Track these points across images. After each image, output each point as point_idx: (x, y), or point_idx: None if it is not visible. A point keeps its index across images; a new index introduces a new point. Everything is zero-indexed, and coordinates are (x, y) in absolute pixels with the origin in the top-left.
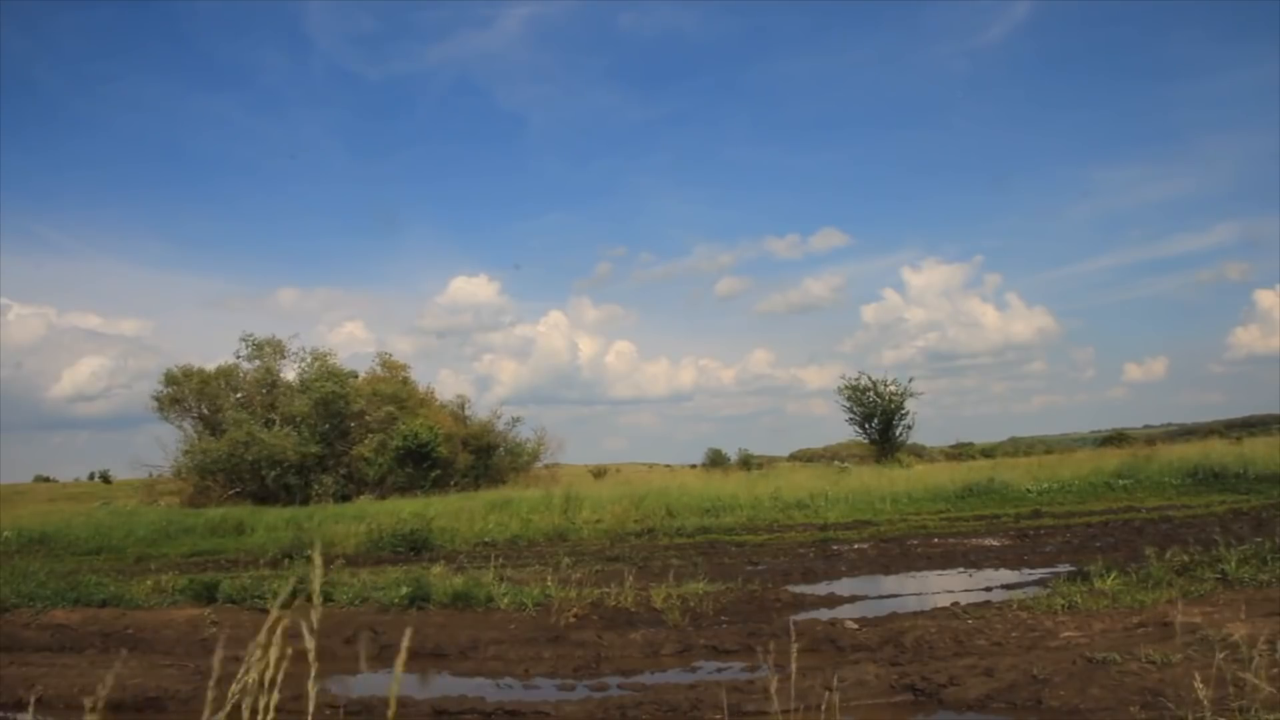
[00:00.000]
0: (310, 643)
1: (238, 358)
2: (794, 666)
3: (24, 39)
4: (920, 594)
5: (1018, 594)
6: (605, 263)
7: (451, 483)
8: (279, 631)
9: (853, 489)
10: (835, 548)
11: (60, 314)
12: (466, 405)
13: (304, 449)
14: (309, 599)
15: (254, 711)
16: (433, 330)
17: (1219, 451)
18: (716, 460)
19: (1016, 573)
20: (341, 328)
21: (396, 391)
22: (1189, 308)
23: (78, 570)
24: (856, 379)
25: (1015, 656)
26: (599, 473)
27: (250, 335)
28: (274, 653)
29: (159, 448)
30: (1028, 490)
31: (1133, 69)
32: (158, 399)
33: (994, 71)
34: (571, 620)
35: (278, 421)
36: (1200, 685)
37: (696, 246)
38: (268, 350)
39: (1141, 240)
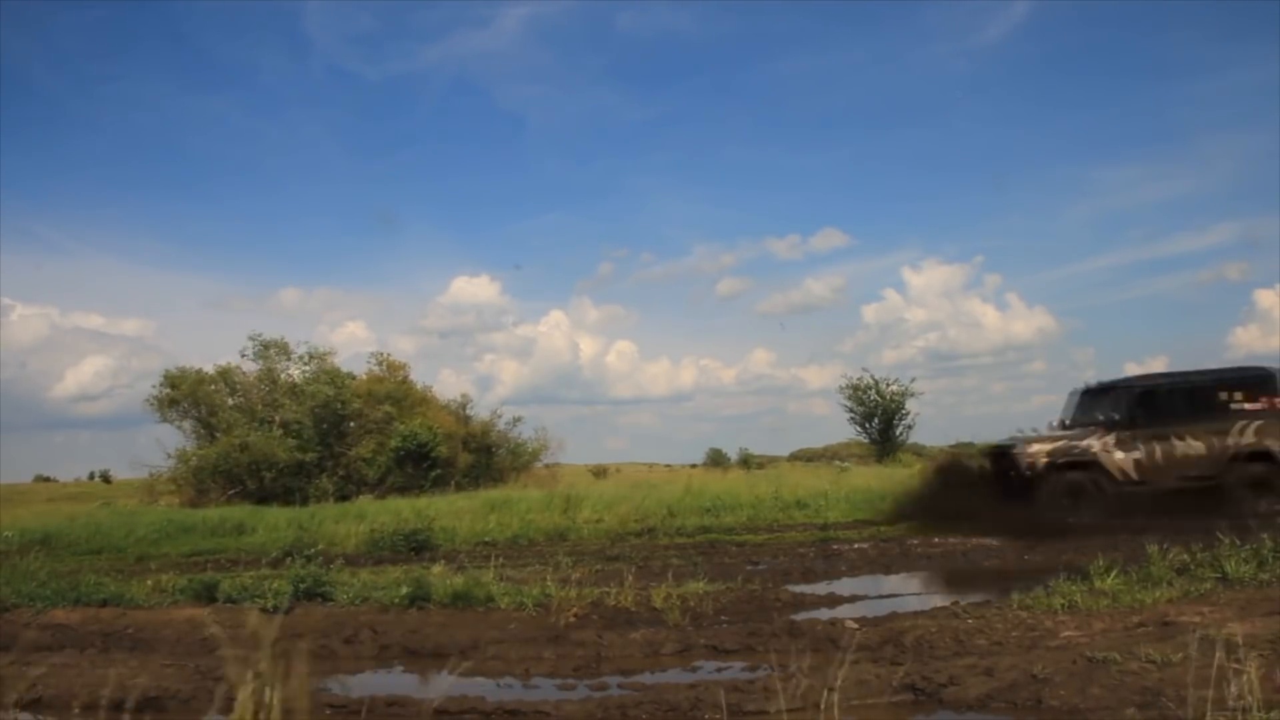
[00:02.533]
0: None
1: (243, 357)
2: (796, 666)
3: (24, 39)
4: (920, 594)
5: (1018, 594)
6: (607, 263)
7: (452, 482)
8: None
9: (853, 488)
10: (835, 547)
11: (63, 314)
12: (469, 405)
13: (298, 453)
14: (309, 598)
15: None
16: (435, 330)
17: None
18: (717, 460)
19: None
20: (343, 328)
21: (393, 391)
22: (1189, 308)
23: (78, 570)
24: (859, 378)
25: (1015, 656)
26: (599, 472)
27: (259, 335)
28: None
29: (159, 448)
30: None
31: (1133, 69)
32: (155, 400)
33: (993, 71)
34: (571, 620)
35: (276, 423)
36: (1200, 685)
37: (697, 246)
38: (273, 352)
39: (1141, 240)
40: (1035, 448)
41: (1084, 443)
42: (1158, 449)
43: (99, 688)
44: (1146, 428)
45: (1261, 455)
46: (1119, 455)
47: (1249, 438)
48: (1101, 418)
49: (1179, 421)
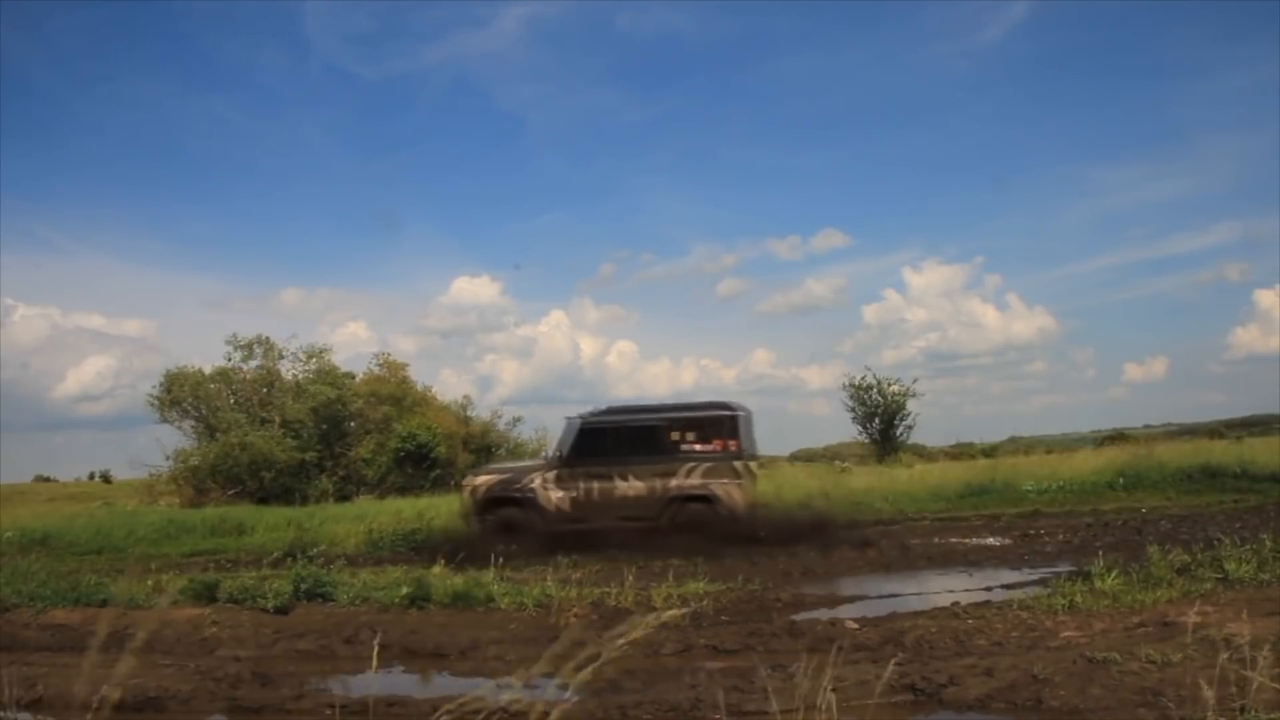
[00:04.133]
0: None
1: (228, 361)
2: (795, 666)
3: (24, 39)
4: (920, 594)
5: (1018, 594)
6: (608, 263)
7: (452, 483)
8: None
9: (853, 489)
10: None
11: (64, 314)
12: (469, 406)
13: (298, 453)
14: (309, 599)
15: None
16: (436, 330)
17: (1219, 451)
18: None
19: (1017, 572)
20: (344, 328)
21: (393, 392)
22: (1189, 308)
23: (78, 570)
24: (862, 378)
25: (1015, 656)
26: None
27: (235, 337)
28: None
29: (159, 448)
30: (1028, 490)
31: (1133, 69)
32: (155, 400)
33: (993, 71)
34: (572, 620)
35: (276, 423)
36: (1201, 685)
37: (697, 247)
38: (258, 350)
39: (1141, 240)
40: (477, 479)
41: (526, 478)
42: (596, 487)
43: (99, 688)
44: (589, 465)
45: (702, 497)
46: (555, 492)
47: (692, 479)
48: (556, 453)
49: (625, 460)
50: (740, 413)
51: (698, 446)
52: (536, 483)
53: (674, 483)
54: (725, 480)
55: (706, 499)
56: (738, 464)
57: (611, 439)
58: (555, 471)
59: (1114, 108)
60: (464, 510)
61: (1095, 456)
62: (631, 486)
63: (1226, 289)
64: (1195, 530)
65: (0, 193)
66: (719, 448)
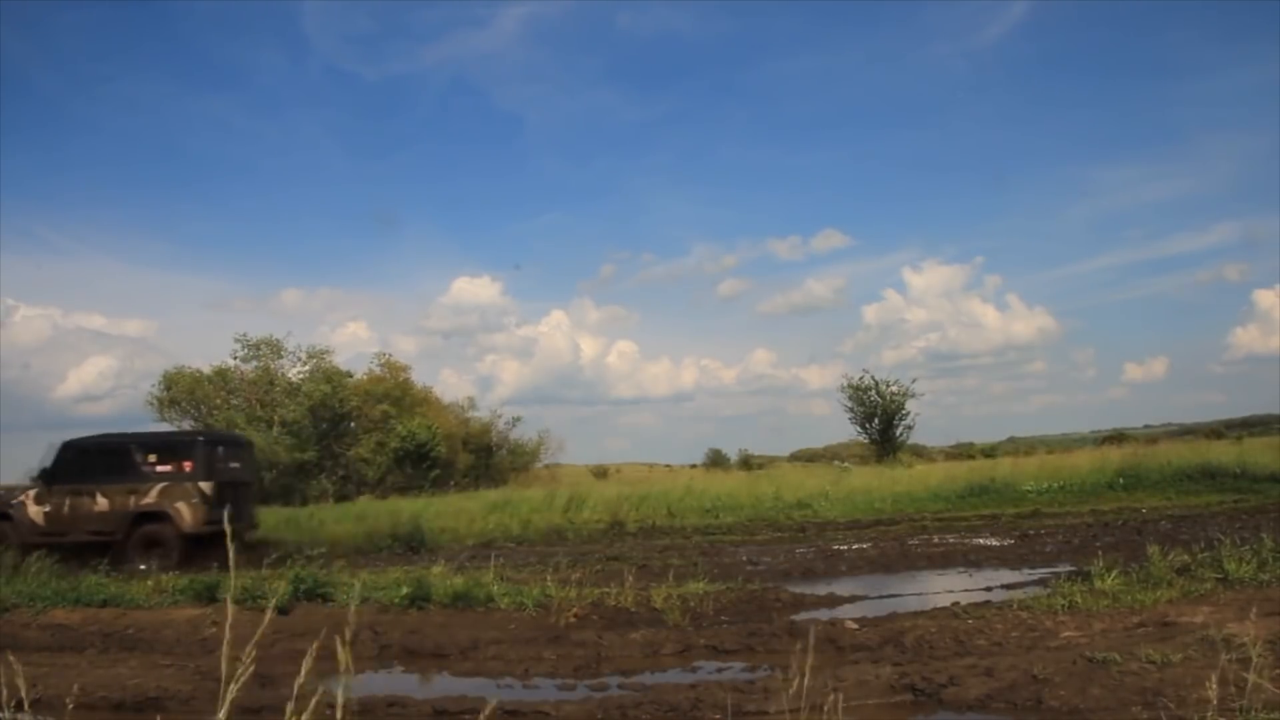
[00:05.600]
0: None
1: (234, 359)
2: (795, 666)
3: (24, 39)
4: (920, 594)
5: (1018, 594)
6: (609, 264)
7: (452, 483)
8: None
9: (853, 489)
10: (835, 548)
11: (65, 315)
12: (471, 407)
13: (297, 453)
14: (309, 599)
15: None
16: (437, 331)
17: (1218, 451)
18: (717, 460)
19: (1017, 573)
20: (345, 328)
21: (392, 391)
22: (1188, 308)
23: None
24: (860, 379)
25: (1015, 656)
26: (600, 473)
27: (244, 336)
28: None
29: None
30: (1028, 490)
31: (1132, 69)
32: (154, 400)
33: (993, 71)
34: (571, 620)
35: (275, 423)
36: (1201, 685)
37: (697, 247)
38: (265, 351)
39: (1141, 240)
40: None
41: (17, 495)
42: (70, 504)
43: (99, 688)
44: (67, 483)
45: (159, 515)
46: (36, 508)
47: (152, 498)
48: (39, 472)
49: (99, 479)
50: (204, 439)
51: (165, 468)
52: (23, 499)
53: (137, 501)
54: (183, 501)
55: (163, 516)
56: (201, 485)
57: (89, 460)
58: (39, 489)
59: (1114, 108)
60: None
61: (1095, 456)
62: (102, 504)
63: (1226, 289)
64: (1195, 530)
65: (0, 193)
66: (184, 470)
